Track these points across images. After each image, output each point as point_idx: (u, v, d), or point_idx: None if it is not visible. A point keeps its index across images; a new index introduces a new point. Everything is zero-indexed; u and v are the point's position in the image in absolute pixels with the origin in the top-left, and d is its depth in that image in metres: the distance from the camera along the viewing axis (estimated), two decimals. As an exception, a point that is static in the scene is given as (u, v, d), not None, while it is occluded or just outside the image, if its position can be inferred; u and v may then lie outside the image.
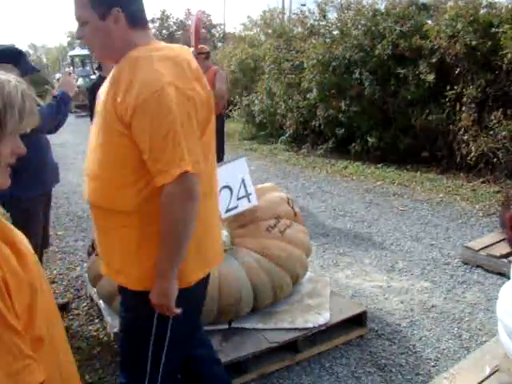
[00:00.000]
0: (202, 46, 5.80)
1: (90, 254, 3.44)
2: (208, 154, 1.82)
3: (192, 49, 5.90)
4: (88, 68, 22.60)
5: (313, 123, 9.66)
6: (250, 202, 3.15)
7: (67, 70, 4.86)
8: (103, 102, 1.70)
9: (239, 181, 3.10)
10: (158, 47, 1.73)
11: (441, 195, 6.51)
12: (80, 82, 18.75)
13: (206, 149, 1.80)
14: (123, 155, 1.67)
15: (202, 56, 5.87)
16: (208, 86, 1.81)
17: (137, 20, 1.73)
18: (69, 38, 65.49)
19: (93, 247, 3.22)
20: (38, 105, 3.22)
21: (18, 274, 1.05)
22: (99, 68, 5.57)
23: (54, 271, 4.56)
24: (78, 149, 11.24)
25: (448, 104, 7.48)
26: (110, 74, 1.74)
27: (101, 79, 5.58)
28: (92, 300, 3.72)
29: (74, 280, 4.34)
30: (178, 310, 1.72)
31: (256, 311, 3.07)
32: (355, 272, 4.23)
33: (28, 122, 1.13)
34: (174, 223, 1.65)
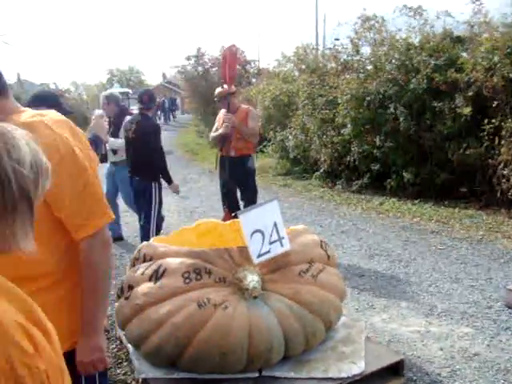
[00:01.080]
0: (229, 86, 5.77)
1: (119, 297, 3.40)
2: None
3: (219, 89, 5.87)
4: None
5: (347, 159, 9.57)
6: (282, 246, 3.07)
7: (99, 112, 4.81)
8: None
9: (271, 224, 3.03)
10: (40, 112, 1.82)
11: (481, 233, 6.30)
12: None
13: None
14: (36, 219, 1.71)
15: (233, 96, 5.81)
16: (87, 142, 1.88)
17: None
18: (108, 76, 67.56)
19: (122, 289, 3.19)
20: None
21: (53, 362, 1.00)
22: (147, 103, 5.47)
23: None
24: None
25: (486, 138, 7.32)
26: None
27: (141, 117, 5.67)
28: (121, 342, 3.67)
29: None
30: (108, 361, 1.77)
31: (287, 359, 2.96)
32: (392, 315, 4.08)
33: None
34: (100, 273, 1.73)
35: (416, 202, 8.00)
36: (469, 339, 3.65)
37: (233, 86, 5.80)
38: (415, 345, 3.58)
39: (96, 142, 3.30)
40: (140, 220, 5.60)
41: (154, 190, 5.32)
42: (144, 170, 5.25)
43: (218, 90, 5.74)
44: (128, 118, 5.07)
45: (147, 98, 5.41)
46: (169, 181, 5.47)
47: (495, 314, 4.06)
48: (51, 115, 1.81)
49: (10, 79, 34.92)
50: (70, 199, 1.68)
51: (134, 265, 3.22)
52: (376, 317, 4.07)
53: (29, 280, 1.73)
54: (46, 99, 3.32)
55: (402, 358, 3.09)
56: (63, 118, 1.85)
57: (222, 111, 5.75)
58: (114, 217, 1.80)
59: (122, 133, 5.50)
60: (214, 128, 5.90)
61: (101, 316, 1.75)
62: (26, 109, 1.84)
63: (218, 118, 5.91)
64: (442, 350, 3.51)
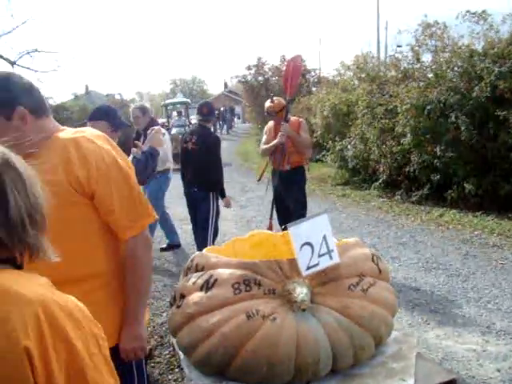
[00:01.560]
0: (278, 99, 5.69)
1: (171, 305, 3.49)
2: None
3: (268, 103, 5.79)
4: (184, 118, 21.79)
5: (407, 169, 9.40)
6: (331, 259, 3.07)
7: (157, 126, 4.88)
8: (46, 183, 1.83)
9: (321, 237, 3.04)
10: (79, 129, 1.99)
11: (547, 247, 6.04)
12: (174, 131, 18.57)
13: None
14: (83, 224, 1.90)
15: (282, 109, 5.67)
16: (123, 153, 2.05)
17: (40, 109, 1.92)
18: (171, 86, 69.24)
19: (174, 298, 3.27)
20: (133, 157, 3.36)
21: None
22: (206, 115, 5.51)
23: (142, 316, 4.69)
24: (173, 192, 11.69)
25: (553, 147, 7.03)
26: (42, 160, 1.85)
27: (201, 129, 5.76)
28: (174, 349, 3.76)
29: (159, 326, 4.43)
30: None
31: (336, 372, 2.95)
32: (447, 332, 3.99)
33: None
34: (143, 268, 1.95)
35: (478, 214, 7.76)
36: (529, 360, 3.52)
37: (281, 99, 5.75)
38: (470, 364, 3.49)
39: (152, 155, 3.41)
40: (195, 229, 5.72)
41: (212, 200, 5.43)
42: (203, 180, 5.38)
43: (268, 103, 5.69)
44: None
45: (207, 111, 5.53)
46: (222, 194, 5.58)
47: (558, 333, 3.89)
48: (90, 131, 1.97)
49: (78, 91, 36.38)
50: (118, 204, 1.87)
51: (186, 274, 3.31)
52: (430, 333, 3.99)
53: (81, 281, 1.89)
54: (106, 113, 3.48)
55: (455, 377, 3.01)
56: (100, 133, 2.00)
57: (270, 123, 5.76)
58: (157, 217, 2.03)
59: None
60: (263, 140, 5.86)
61: (142, 307, 1.96)
62: (65, 127, 2.00)
63: (266, 131, 5.87)
64: (499, 371, 3.39)
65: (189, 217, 7.70)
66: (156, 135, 3.53)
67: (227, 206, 5.83)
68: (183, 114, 22.86)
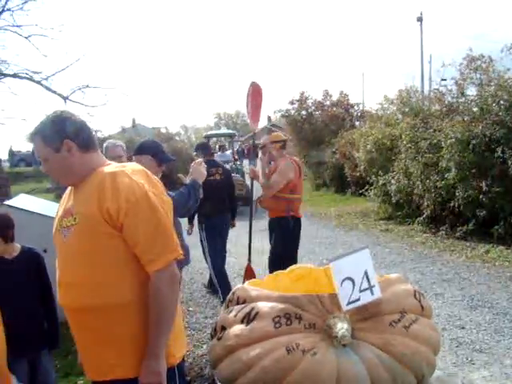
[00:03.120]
0: (278, 133, 5.66)
1: (212, 336, 3.52)
2: None
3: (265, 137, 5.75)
4: (229, 153, 20.30)
5: (451, 204, 9.25)
6: (373, 294, 3.04)
7: (199, 159, 4.82)
8: (81, 213, 1.99)
9: (362, 272, 3.03)
10: (122, 164, 2.14)
11: None
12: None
13: None
14: (113, 254, 1.97)
15: (278, 145, 5.53)
16: (162, 188, 2.17)
17: (88, 145, 2.08)
18: (216, 119, 70.41)
19: (215, 330, 3.31)
20: (169, 194, 3.50)
21: None
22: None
23: (182, 347, 4.72)
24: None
25: None
26: (82, 191, 2.05)
27: (216, 161, 6.08)
28: (214, 381, 3.77)
29: (199, 358, 4.45)
30: None
31: (377, 411, 2.90)
32: (493, 373, 3.87)
33: None
34: (165, 304, 2.00)
35: (526, 250, 7.54)
36: None
37: (282, 133, 5.64)
38: (518, 407, 3.37)
39: (194, 187, 3.51)
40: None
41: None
42: (226, 207, 6.12)
43: (265, 137, 5.72)
44: None
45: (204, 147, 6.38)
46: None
47: None
48: (131, 166, 2.11)
49: (126, 124, 37.39)
50: (143, 236, 1.95)
51: (227, 306, 3.34)
52: (475, 373, 3.88)
53: (106, 310, 1.98)
54: (150, 148, 3.61)
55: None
56: (141, 167, 2.13)
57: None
58: (182, 253, 2.08)
59: None
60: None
61: (162, 343, 2.00)
62: (111, 162, 2.16)
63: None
64: (548, 414, 3.27)
65: (230, 250, 7.73)
66: (198, 168, 3.62)
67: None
68: (227, 147, 21.81)
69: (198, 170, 3.57)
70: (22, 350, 2.97)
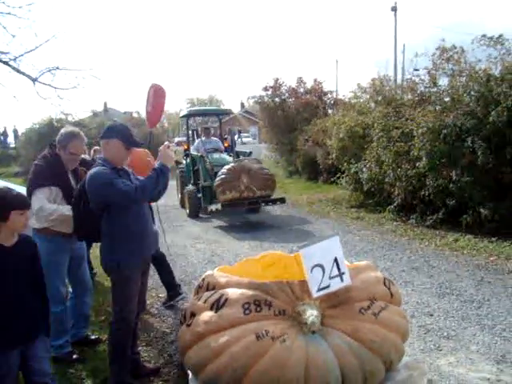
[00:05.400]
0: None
1: (181, 323, 3.48)
2: None
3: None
4: (216, 139, 13.41)
5: (422, 193, 9.32)
6: (342, 281, 3.05)
7: (166, 142, 4.54)
8: None
9: (332, 259, 3.03)
10: None
11: None
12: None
13: None
14: None
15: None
16: None
17: None
18: (188, 105, 69.80)
19: (185, 316, 3.27)
20: (137, 178, 3.41)
21: None
22: None
23: (151, 334, 4.68)
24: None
25: None
26: None
27: None
28: (183, 368, 3.74)
29: (169, 345, 4.41)
30: None
31: (345, 397, 2.91)
32: (460, 359, 3.92)
33: None
34: None
35: (493, 239, 7.65)
36: (544, 390, 3.44)
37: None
38: (483, 392, 3.42)
39: (162, 170, 3.44)
40: None
41: None
42: None
43: None
44: None
45: None
46: None
47: None
48: None
49: (97, 108, 36.83)
50: None
51: (197, 293, 3.31)
52: (442, 359, 3.93)
53: None
54: (117, 132, 3.51)
55: (467, 405, 2.96)
56: None
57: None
58: None
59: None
60: None
61: None
62: None
63: None
64: (512, 400, 3.33)
65: (201, 236, 7.66)
66: (166, 151, 3.53)
67: None
68: (212, 131, 14.62)
69: (166, 154, 3.49)
70: (14, 339, 2.92)
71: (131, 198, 3.30)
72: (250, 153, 12.80)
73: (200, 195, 11.34)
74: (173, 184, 14.19)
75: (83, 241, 4.15)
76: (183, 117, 15.45)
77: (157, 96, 5.47)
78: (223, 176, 10.05)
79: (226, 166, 10.32)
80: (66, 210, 3.90)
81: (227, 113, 17.88)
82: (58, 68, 14.44)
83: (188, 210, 11.80)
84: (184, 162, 13.25)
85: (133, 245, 3.43)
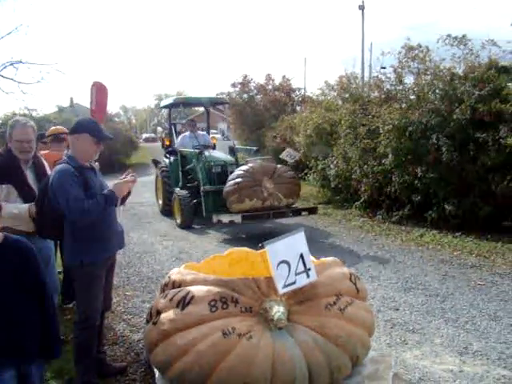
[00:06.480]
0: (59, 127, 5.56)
1: (148, 321, 3.45)
2: None
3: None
4: (203, 133, 11.62)
5: (388, 189, 9.46)
6: (308, 277, 3.05)
7: (128, 176, 4.03)
8: None
9: (298, 255, 3.03)
10: None
11: (524, 269, 6.10)
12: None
13: None
14: None
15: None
16: None
17: None
18: (156, 101, 69.24)
19: (151, 314, 3.23)
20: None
21: None
22: None
23: (118, 332, 4.62)
24: (155, 208, 11.60)
25: (531, 170, 7.13)
26: None
27: None
28: (149, 366, 3.71)
29: (136, 343, 4.36)
30: None
31: (312, 392, 2.92)
32: (424, 352, 3.98)
33: None
34: None
35: (457, 234, 7.82)
36: (505, 382, 3.52)
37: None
38: (447, 384, 3.48)
39: (109, 200, 3.37)
40: None
41: None
42: None
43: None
44: None
45: None
46: None
47: (535, 355, 3.90)
48: None
49: (63, 103, 36.15)
50: None
51: (163, 290, 3.28)
52: (408, 353, 3.98)
53: None
54: (87, 127, 3.45)
55: (431, 397, 3.01)
56: None
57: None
58: None
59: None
60: None
61: None
62: None
63: None
64: (475, 391, 3.40)
65: (169, 233, 7.58)
66: (122, 185, 3.46)
67: None
68: (200, 127, 13.23)
69: (121, 188, 3.43)
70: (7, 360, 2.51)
71: (72, 216, 3.23)
72: (258, 150, 11.05)
73: (195, 201, 9.29)
74: (144, 181, 14.02)
75: (46, 240, 4.06)
76: (165, 107, 12.85)
77: (100, 93, 5.45)
78: (239, 180, 7.97)
79: (243, 167, 8.32)
80: (13, 207, 3.79)
81: (223, 102, 14.94)
82: (21, 62, 14.15)
83: (179, 220, 9.54)
84: (166, 160, 11.30)
85: (96, 244, 3.38)
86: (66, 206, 3.18)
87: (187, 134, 11.00)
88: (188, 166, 10.09)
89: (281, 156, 9.62)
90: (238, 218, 7.93)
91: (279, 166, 8.64)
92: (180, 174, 10.30)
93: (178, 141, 11.05)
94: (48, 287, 2.73)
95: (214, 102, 13.69)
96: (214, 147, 10.80)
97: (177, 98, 12.42)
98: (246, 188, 7.88)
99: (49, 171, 4.12)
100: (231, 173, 8.52)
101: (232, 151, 10.39)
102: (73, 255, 3.40)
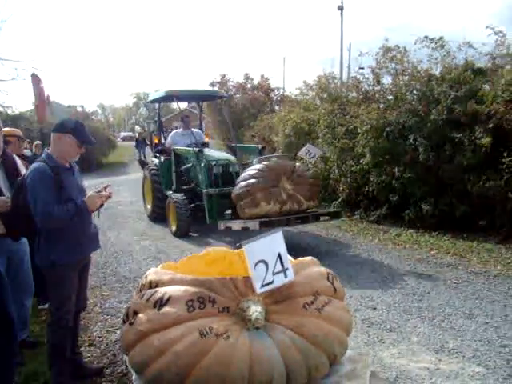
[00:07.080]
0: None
1: (124, 321, 3.40)
2: None
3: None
4: (197, 130, 10.77)
5: (366, 189, 9.53)
6: (286, 277, 3.04)
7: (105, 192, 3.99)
8: None
9: (275, 255, 3.02)
10: None
11: (499, 267, 6.19)
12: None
13: None
14: None
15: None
16: None
17: None
18: (134, 99, 68.76)
19: (127, 315, 3.20)
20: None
21: None
22: None
23: (94, 333, 4.57)
24: (132, 208, 11.51)
25: (506, 170, 7.23)
26: None
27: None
28: (126, 367, 3.67)
29: (113, 344, 4.32)
30: None
31: (290, 392, 2.91)
32: (401, 351, 4.01)
33: None
34: None
35: (434, 234, 7.92)
36: (480, 379, 3.57)
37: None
38: (423, 382, 3.51)
39: (80, 211, 3.32)
40: None
41: None
42: None
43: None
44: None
45: None
46: None
47: (509, 353, 3.96)
48: None
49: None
50: None
51: (140, 291, 3.24)
52: (385, 351, 4.01)
53: None
54: (74, 127, 3.40)
55: (408, 395, 3.02)
56: None
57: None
58: None
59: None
60: None
61: None
62: None
63: None
64: (451, 389, 3.43)
65: (147, 232, 7.48)
66: (96, 199, 3.42)
67: None
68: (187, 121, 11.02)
69: (92, 200, 3.38)
70: None
71: (38, 219, 3.18)
72: (263, 148, 9.43)
73: (192, 206, 8.69)
74: (121, 180, 13.90)
75: (17, 241, 3.98)
76: (155, 100, 11.27)
77: (36, 84, 5.34)
78: (253, 181, 6.89)
79: (256, 166, 7.20)
80: None
81: (222, 96, 12.85)
82: (-5, 58, 13.93)
83: (174, 227, 8.79)
84: (156, 160, 10.51)
85: (69, 244, 3.33)
86: (34, 207, 3.15)
87: (179, 130, 10.38)
88: (183, 167, 9.40)
89: (299, 154, 8.53)
90: (254, 225, 6.73)
91: (298, 164, 7.66)
92: (173, 175, 9.59)
93: (168, 138, 10.37)
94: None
95: (213, 96, 12.71)
96: (207, 145, 10.20)
97: (169, 91, 10.32)
98: (261, 190, 6.81)
99: (22, 169, 4.04)
100: (235, 173, 7.99)
101: (232, 150, 9.75)
102: (44, 256, 3.34)
